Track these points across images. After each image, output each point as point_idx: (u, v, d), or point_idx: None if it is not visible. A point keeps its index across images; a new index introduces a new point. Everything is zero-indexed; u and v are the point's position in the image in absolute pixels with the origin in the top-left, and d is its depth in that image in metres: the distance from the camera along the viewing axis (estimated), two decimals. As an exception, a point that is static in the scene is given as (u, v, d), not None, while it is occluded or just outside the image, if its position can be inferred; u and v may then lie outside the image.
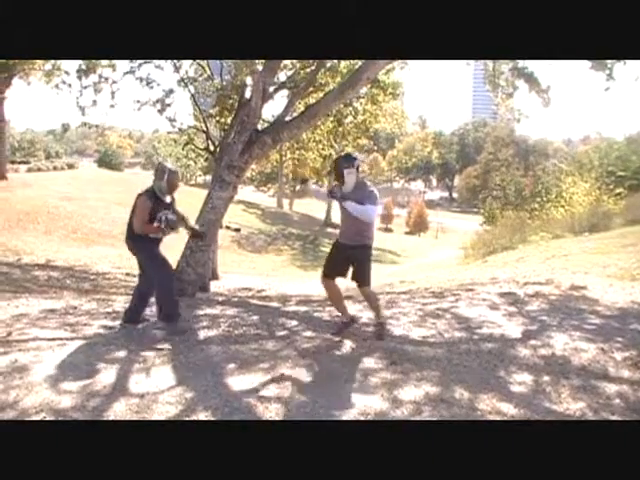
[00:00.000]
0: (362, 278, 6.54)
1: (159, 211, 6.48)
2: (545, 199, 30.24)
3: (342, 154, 6.78)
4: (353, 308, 8.03)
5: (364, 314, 7.51)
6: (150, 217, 6.45)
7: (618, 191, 24.55)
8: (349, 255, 6.51)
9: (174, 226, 6.59)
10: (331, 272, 6.68)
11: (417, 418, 4.44)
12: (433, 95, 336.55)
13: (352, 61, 13.56)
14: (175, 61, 15.38)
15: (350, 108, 16.47)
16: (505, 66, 12.63)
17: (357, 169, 6.42)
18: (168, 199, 6.67)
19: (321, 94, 12.92)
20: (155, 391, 4.89)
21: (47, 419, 4.26)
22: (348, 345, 6.23)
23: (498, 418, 4.46)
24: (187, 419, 4.32)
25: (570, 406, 4.72)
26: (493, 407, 4.64)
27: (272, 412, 4.50)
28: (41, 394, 4.74)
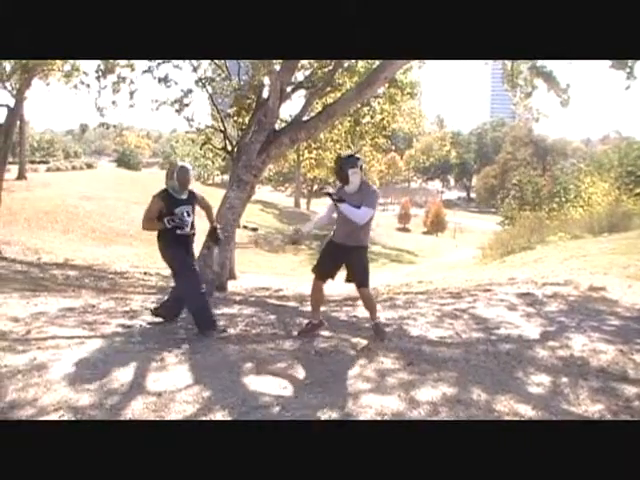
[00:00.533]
0: (361, 279, 6.44)
1: (175, 208, 6.52)
2: (564, 199, 30.14)
3: (344, 154, 6.72)
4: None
5: (382, 314, 7.51)
6: (160, 216, 6.49)
7: (638, 191, 24.41)
8: (343, 257, 6.43)
9: (182, 224, 6.57)
10: (323, 274, 6.57)
11: (434, 419, 4.43)
12: (451, 95, 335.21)
13: (370, 61, 13.56)
14: (192, 61, 15.48)
15: (368, 108, 16.44)
16: (524, 65, 12.58)
17: (361, 169, 6.34)
18: (184, 195, 6.65)
19: (339, 94, 12.94)
20: (172, 390, 4.91)
21: (64, 418, 4.29)
22: (365, 345, 6.22)
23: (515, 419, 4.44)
24: (200, 419, 4.33)
25: (589, 408, 4.67)
26: (510, 408, 4.61)
27: (289, 412, 4.50)
28: (60, 392, 4.77)
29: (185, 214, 6.60)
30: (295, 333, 6.75)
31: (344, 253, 6.40)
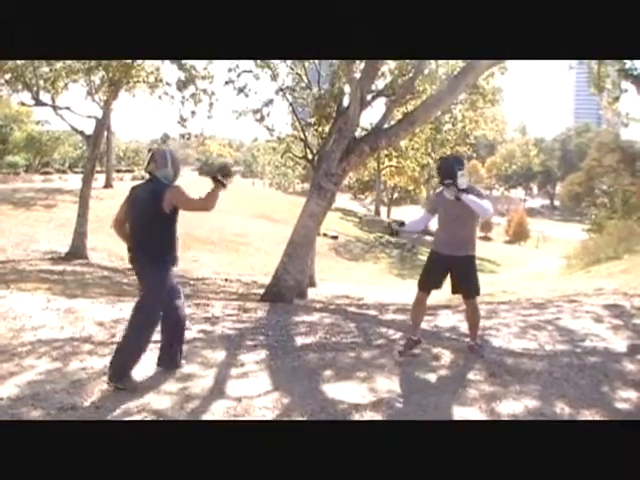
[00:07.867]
0: (469, 288, 6.07)
1: None
2: (653, 207, 29.17)
3: (450, 155, 6.41)
4: (454, 318, 7.96)
5: (463, 324, 7.43)
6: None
7: None
8: (450, 266, 5.96)
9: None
10: (427, 285, 6.11)
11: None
12: (534, 100, 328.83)
13: (450, 67, 13.47)
14: (271, 71, 15.78)
15: (449, 115, 16.33)
16: (611, 67, 12.26)
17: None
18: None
19: (419, 101, 12.84)
20: (252, 395, 4.97)
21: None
22: (446, 356, 6.15)
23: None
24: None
25: (680, 425, 4.50)
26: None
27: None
28: (142, 395, 4.89)
29: None
30: (376, 340, 6.72)
31: (452, 263, 5.95)
